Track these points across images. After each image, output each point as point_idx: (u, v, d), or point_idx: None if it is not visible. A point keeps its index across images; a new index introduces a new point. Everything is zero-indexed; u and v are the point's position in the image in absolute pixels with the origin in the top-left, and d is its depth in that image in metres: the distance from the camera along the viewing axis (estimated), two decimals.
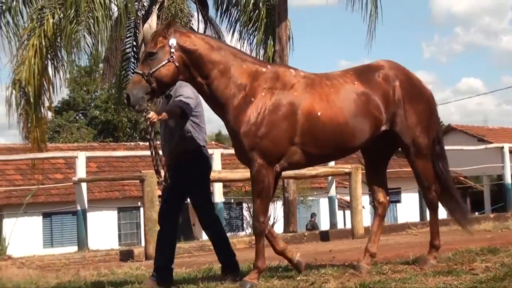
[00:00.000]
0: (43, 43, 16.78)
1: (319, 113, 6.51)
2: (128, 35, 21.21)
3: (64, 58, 17.92)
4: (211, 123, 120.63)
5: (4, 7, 17.87)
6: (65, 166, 26.96)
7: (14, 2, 17.92)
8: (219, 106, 6.59)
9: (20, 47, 17.36)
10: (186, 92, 7.07)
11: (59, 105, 46.94)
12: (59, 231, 27.31)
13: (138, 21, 21.09)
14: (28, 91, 16.63)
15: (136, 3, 21.01)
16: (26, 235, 21.70)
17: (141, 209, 28.68)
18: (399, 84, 6.83)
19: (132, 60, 21.53)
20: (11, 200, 25.84)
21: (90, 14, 17.22)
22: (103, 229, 24.83)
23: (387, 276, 6.51)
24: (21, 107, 17.14)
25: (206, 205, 7.55)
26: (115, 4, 19.73)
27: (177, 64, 6.40)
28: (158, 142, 7.47)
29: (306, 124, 6.49)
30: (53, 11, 17.09)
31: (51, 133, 43.32)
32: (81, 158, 13.95)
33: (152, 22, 18.97)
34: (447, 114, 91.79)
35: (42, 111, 16.96)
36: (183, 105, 6.97)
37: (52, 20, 16.98)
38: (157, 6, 19.15)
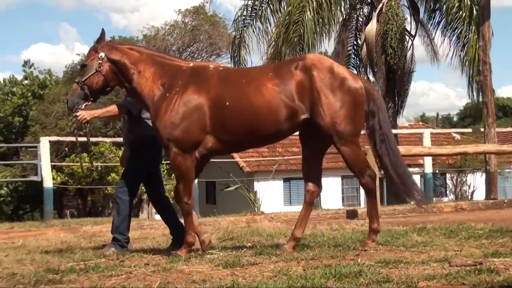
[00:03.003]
0: (302, 44, 17.44)
1: (227, 103, 5.90)
2: (350, 36, 21.14)
3: None
4: (415, 106, 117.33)
5: (256, 16, 18.64)
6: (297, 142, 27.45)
7: (264, 12, 18.68)
8: (146, 106, 6.25)
9: (269, 46, 17.99)
10: None
11: None
12: (296, 193, 28.06)
13: (359, 25, 20.99)
14: None
15: (357, 11, 21.01)
16: (271, 195, 22.40)
17: None
18: (317, 75, 5.88)
19: (353, 57, 21.43)
20: (260, 167, 26.98)
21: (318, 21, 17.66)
22: (330, 192, 25.10)
23: None
24: None
25: (151, 185, 6.95)
26: (340, 11, 19.88)
27: (103, 73, 6.21)
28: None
29: (216, 114, 5.90)
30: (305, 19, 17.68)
31: None
32: None
33: (372, 25, 18.74)
34: None
35: None
36: (128, 104, 6.72)
37: (308, 25, 17.52)
38: (376, 12, 18.88)
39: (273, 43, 17.89)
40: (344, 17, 20.77)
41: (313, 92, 5.86)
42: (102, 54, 6.25)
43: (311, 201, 6.43)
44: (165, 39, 41.77)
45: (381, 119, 6.28)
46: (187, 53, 42.42)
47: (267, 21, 18.81)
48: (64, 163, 31.54)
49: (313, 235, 7.67)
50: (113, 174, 29.64)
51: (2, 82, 46.27)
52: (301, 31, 17.71)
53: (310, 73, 5.90)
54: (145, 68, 6.21)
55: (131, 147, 6.90)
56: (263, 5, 18.92)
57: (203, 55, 43.32)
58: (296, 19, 17.74)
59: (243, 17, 18.95)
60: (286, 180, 27.90)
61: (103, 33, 6.40)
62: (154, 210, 33.56)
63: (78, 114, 6.33)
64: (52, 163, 13.99)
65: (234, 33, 19.70)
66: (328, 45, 18.70)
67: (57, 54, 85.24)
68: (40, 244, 7.47)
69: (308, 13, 17.72)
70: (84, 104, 6.30)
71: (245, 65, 18.77)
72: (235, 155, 28.11)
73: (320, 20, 18.15)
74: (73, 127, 6.62)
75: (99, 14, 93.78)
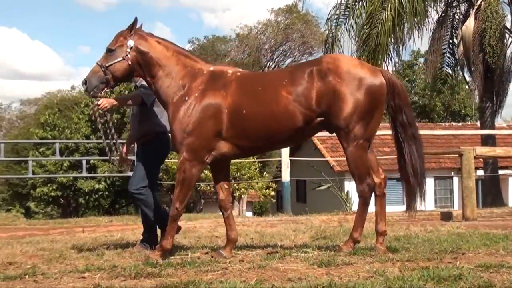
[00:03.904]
0: (376, 43, 17.23)
1: (244, 111, 5.76)
2: (445, 34, 20.64)
3: (391, 55, 18.34)
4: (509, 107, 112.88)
5: (349, 14, 18.58)
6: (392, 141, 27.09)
7: (357, 11, 18.58)
8: (163, 102, 6.17)
9: (360, 44, 17.94)
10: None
11: None
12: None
13: (455, 23, 20.46)
14: None
15: (453, 9, 20.50)
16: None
17: (454, 178, 28.21)
18: (332, 79, 5.67)
19: (447, 56, 20.97)
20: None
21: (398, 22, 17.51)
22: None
23: None
24: None
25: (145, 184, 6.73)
26: (434, 10, 19.48)
27: (129, 62, 6.10)
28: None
29: (233, 121, 5.78)
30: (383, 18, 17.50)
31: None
32: None
33: (470, 23, 18.22)
34: None
35: None
36: (144, 95, 6.58)
37: (386, 24, 17.32)
38: (474, 9, 18.34)
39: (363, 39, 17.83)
40: (439, 15, 20.32)
41: (329, 97, 5.75)
42: (131, 42, 6.18)
43: (381, 193, 6.25)
44: (258, 37, 42.08)
45: (408, 114, 6.17)
46: (279, 51, 42.64)
47: (360, 19, 18.66)
48: None
49: (407, 237, 7.53)
50: (206, 171, 30.12)
51: None
52: (378, 30, 17.47)
53: (325, 78, 5.78)
54: (169, 66, 6.18)
55: (141, 142, 6.91)
56: (356, 3, 18.76)
57: (295, 53, 43.41)
58: (376, 17, 17.52)
59: (336, 16, 18.86)
60: None
61: (135, 21, 6.28)
62: (245, 207, 33.98)
63: (99, 102, 6.31)
64: None
65: (326, 31, 19.62)
66: (421, 43, 18.33)
67: None
68: (137, 238, 7.67)
69: (388, 12, 17.42)
70: (102, 90, 6.21)
71: None
72: (325, 153, 28.00)
73: (401, 20, 17.85)
74: (94, 116, 6.46)
75: (192, 13, 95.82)
